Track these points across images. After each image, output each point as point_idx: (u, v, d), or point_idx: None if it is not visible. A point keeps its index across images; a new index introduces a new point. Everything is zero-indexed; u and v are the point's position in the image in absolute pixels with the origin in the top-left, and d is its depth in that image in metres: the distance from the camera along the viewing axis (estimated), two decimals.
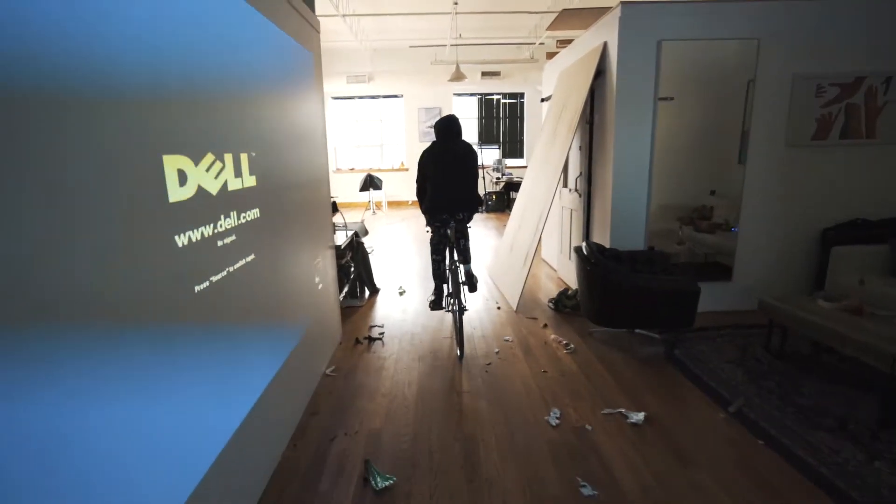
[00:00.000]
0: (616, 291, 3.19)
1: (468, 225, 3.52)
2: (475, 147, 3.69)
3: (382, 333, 3.71)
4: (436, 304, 3.76)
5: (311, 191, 2.91)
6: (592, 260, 3.32)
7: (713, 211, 3.88)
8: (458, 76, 7.67)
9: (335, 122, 11.25)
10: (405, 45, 9.88)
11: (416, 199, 3.74)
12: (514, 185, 10.02)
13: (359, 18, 7.75)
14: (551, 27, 6.99)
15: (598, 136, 3.97)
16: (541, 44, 8.75)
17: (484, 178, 9.68)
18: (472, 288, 3.50)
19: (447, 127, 3.48)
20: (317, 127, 3.09)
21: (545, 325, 3.75)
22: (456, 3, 6.67)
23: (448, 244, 3.49)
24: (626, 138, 3.65)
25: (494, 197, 9.91)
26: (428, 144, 3.60)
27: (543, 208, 4.01)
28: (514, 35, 9.16)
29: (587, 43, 4.19)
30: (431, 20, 7.79)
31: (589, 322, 3.57)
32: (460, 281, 3.38)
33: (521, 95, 11.22)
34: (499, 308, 4.16)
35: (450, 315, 3.93)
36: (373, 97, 11.14)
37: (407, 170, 11.33)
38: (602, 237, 3.90)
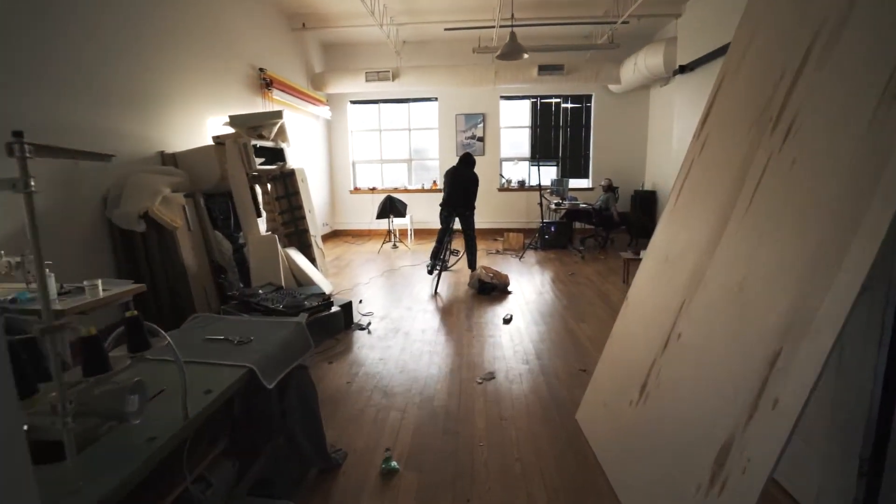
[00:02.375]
0: None
1: (467, 217, 5.56)
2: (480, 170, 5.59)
3: None
4: (431, 269, 5.67)
5: None
6: None
7: None
8: (512, 50, 5.36)
9: (354, 131, 9.18)
10: (439, 30, 7.71)
11: None
12: (577, 214, 7.54)
13: None
14: None
15: None
16: (624, 23, 6.36)
17: (541, 203, 7.26)
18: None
19: (465, 160, 5.62)
20: None
21: None
22: None
23: (445, 231, 5.49)
24: None
25: (553, 229, 7.46)
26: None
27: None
28: (585, 13, 6.81)
29: None
30: None
31: None
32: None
33: (588, 99, 8.79)
34: None
35: None
36: (400, 101, 9.01)
37: (441, 191, 9.06)
38: None
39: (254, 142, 4.39)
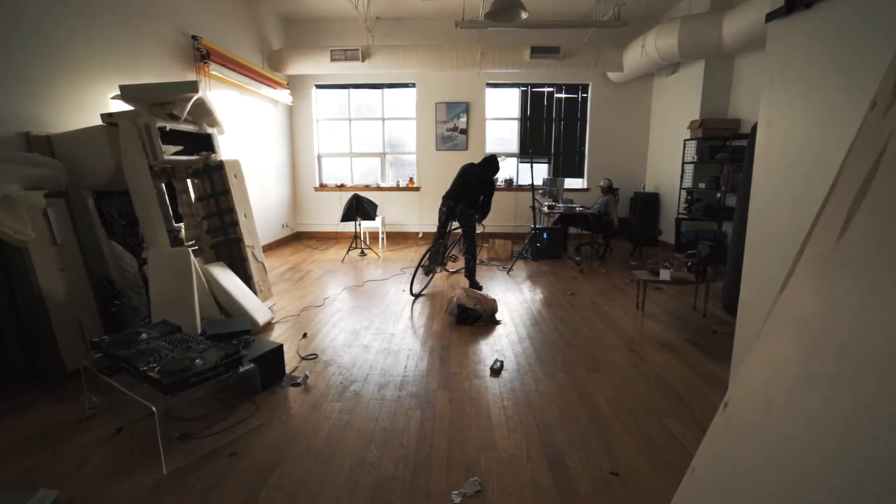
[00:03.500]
0: None
1: (468, 216, 4.77)
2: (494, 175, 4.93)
3: None
4: (428, 270, 5.01)
5: None
6: None
7: None
8: (506, 6, 4.35)
9: (320, 120, 8.05)
10: (417, 2, 6.64)
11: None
12: (573, 218, 6.57)
13: None
14: None
15: None
16: None
17: (534, 206, 6.25)
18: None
19: (485, 160, 4.95)
20: None
21: None
22: None
23: (442, 226, 4.98)
24: None
25: (546, 237, 6.46)
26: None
27: None
28: None
29: None
30: None
31: None
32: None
33: (584, 89, 7.82)
34: None
35: None
36: (372, 86, 7.91)
37: (418, 189, 8.02)
38: None
39: (162, 123, 3.28)
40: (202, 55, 5.01)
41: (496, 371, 2.96)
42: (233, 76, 5.67)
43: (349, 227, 7.05)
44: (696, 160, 6.31)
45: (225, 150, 5.04)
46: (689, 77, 6.58)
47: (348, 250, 6.65)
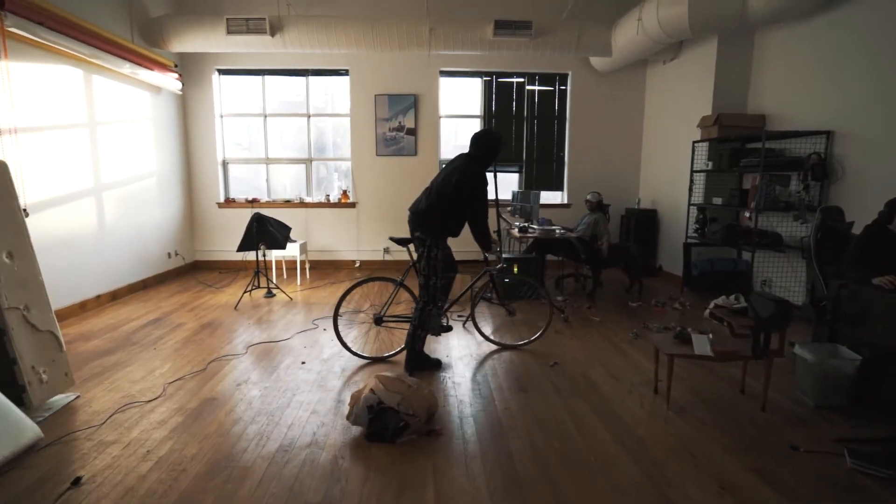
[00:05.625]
0: None
1: (430, 254, 2.80)
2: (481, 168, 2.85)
3: None
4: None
5: None
6: None
7: None
8: None
9: (225, 116, 6.25)
10: None
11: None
12: (552, 244, 4.96)
13: None
14: None
15: None
16: None
17: (499, 229, 4.55)
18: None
19: (474, 138, 2.95)
20: None
21: None
22: None
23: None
24: None
25: (516, 268, 4.80)
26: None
27: None
28: None
29: None
30: None
31: None
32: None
33: (563, 79, 6.31)
34: None
35: None
36: (293, 73, 6.18)
37: (353, 205, 6.29)
38: None
39: None
40: None
41: None
42: (68, 43, 3.86)
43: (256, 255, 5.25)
44: (709, 167, 4.83)
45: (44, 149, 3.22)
46: (696, 62, 5.14)
47: (246, 291, 4.83)
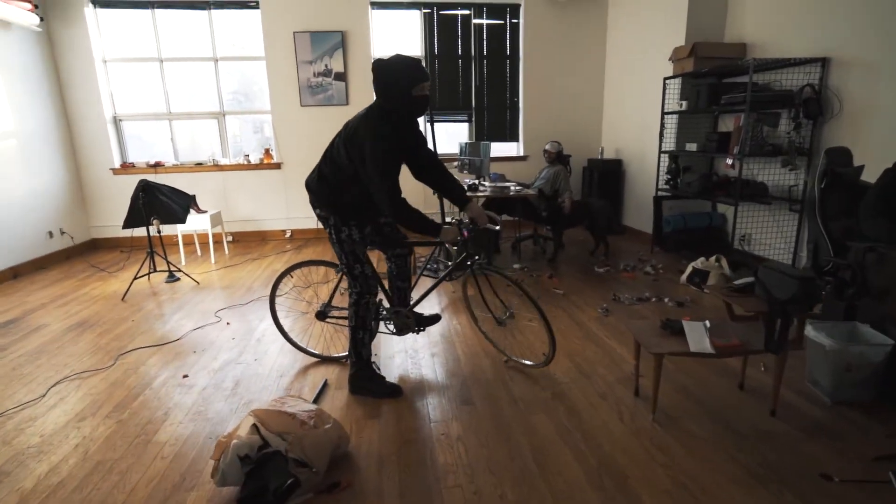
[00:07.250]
0: None
1: (340, 231, 2.06)
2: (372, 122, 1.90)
3: None
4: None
5: None
6: None
7: None
8: None
9: (109, 61, 5.11)
10: None
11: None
12: (506, 203, 4.29)
13: None
14: None
15: None
16: None
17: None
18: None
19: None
20: None
21: None
22: None
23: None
24: None
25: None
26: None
27: None
28: None
29: None
30: None
31: None
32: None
33: (514, 11, 5.45)
34: None
35: None
36: (189, 5, 5.06)
37: (279, 166, 5.38)
38: None
39: None
40: None
41: None
42: None
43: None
44: (683, 108, 4.20)
45: None
46: None
47: (137, 277, 3.95)
